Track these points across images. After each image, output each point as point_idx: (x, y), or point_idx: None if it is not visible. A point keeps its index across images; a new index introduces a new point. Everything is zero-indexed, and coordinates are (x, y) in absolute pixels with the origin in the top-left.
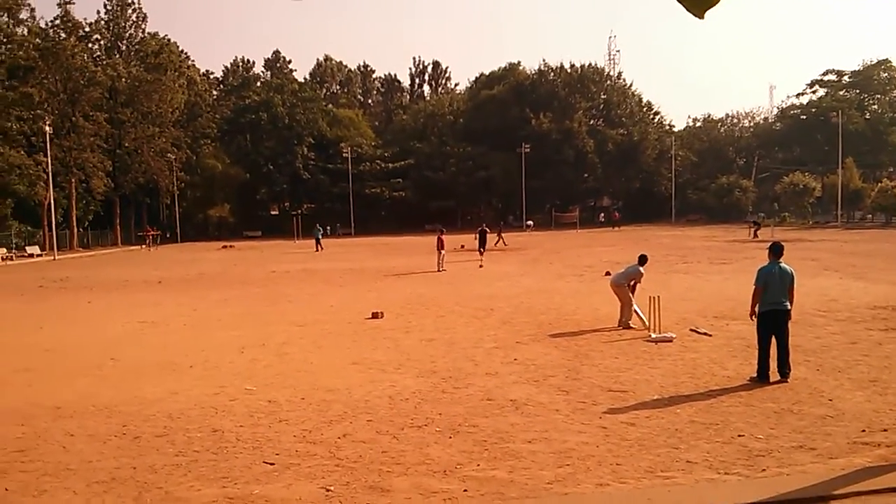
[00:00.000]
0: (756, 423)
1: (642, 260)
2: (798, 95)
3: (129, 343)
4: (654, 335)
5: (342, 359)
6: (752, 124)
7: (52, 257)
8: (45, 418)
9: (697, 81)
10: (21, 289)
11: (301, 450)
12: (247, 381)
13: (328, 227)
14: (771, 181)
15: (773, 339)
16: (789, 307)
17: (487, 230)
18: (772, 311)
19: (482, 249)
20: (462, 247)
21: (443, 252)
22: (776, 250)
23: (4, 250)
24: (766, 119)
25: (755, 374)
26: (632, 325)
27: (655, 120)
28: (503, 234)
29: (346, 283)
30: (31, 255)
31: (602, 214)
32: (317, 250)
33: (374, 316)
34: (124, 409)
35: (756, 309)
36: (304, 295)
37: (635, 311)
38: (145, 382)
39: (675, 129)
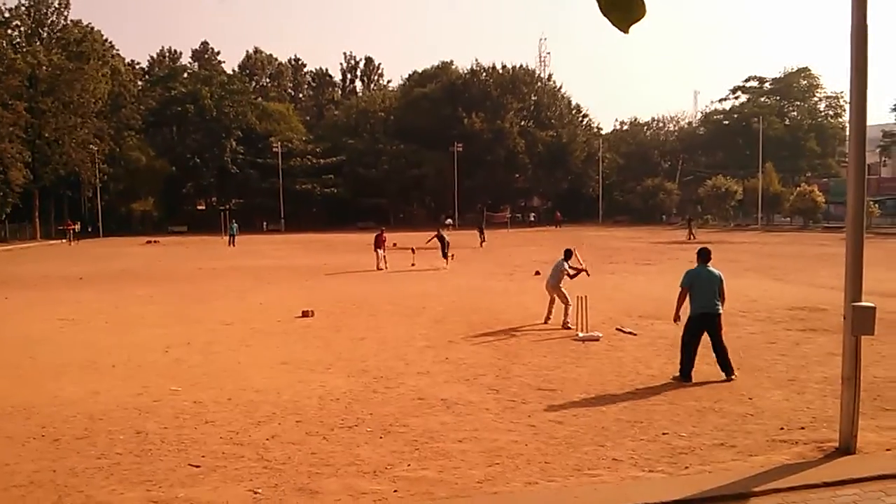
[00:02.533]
0: (679, 421)
1: (567, 254)
2: (721, 101)
3: (48, 341)
4: (581, 334)
5: (271, 358)
6: (676, 128)
7: None
8: None
9: (625, 85)
10: None
11: (228, 452)
12: (171, 382)
13: (265, 223)
14: (694, 184)
15: (700, 340)
16: (721, 310)
17: (446, 234)
18: (703, 314)
19: (446, 253)
20: (394, 245)
21: (381, 251)
22: (704, 255)
23: None
24: (690, 123)
25: (678, 374)
26: (570, 326)
27: (584, 122)
28: (485, 231)
29: (276, 280)
30: None
31: (533, 214)
32: (230, 244)
33: (305, 314)
34: (43, 409)
35: (679, 312)
36: (232, 292)
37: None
38: (65, 382)
39: (603, 132)
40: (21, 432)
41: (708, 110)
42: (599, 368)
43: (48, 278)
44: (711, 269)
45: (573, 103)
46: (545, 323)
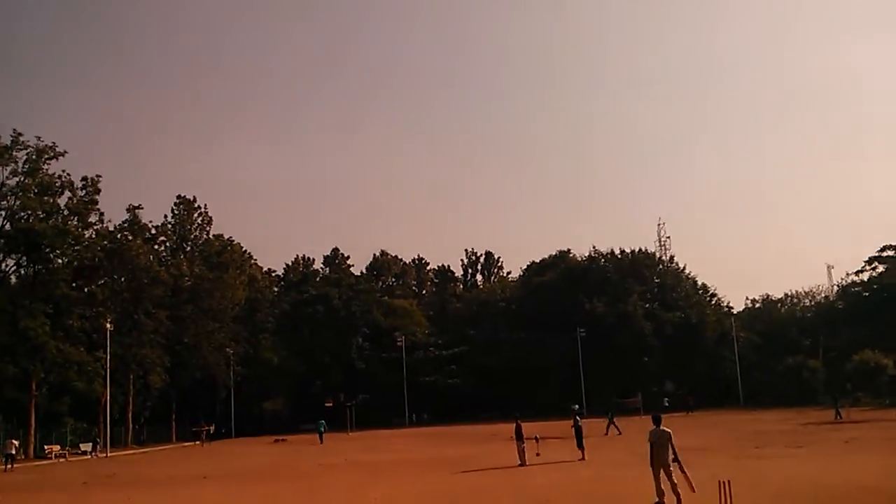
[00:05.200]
0: None
1: (657, 419)
2: (858, 273)
3: None
4: None
5: None
6: (813, 303)
7: (105, 454)
8: None
9: (749, 263)
10: (66, 486)
11: None
12: None
13: (415, 416)
14: (840, 360)
15: None
16: None
17: (581, 422)
18: None
19: (581, 443)
20: (537, 439)
21: (522, 444)
22: None
23: (58, 447)
24: (826, 297)
25: None
26: None
27: (713, 302)
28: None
29: (393, 474)
30: (85, 453)
31: (667, 400)
32: (320, 442)
33: None
34: None
35: None
36: (349, 487)
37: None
38: None
39: (735, 311)
40: None
41: (845, 283)
42: None
43: (174, 478)
44: None
45: (699, 283)
46: None
